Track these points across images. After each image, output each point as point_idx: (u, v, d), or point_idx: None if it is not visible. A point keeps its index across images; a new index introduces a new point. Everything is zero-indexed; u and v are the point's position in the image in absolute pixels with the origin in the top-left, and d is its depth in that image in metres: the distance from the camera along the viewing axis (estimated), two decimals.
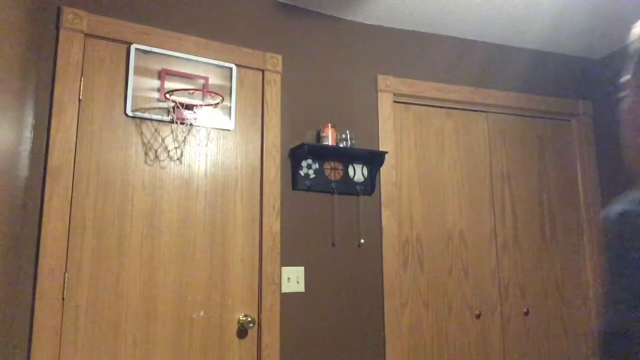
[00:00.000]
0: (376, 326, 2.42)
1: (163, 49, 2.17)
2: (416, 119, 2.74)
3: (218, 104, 2.20)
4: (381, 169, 2.54)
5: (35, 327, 1.79)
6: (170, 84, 2.17)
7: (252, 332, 2.18)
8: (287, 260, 2.30)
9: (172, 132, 2.16)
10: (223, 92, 2.26)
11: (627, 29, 2.59)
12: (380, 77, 2.65)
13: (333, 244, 2.41)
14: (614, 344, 0.74)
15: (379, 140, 2.59)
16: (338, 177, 2.46)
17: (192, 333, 2.07)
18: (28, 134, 1.80)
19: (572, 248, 2.99)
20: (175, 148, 2.16)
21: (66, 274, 1.88)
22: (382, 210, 2.52)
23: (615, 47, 3.06)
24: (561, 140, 3.10)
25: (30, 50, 1.73)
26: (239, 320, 2.16)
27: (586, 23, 2.75)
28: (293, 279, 2.29)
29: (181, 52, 2.21)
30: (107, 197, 2.00)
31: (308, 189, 2.38)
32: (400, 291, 2.53)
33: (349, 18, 2.64)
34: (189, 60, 2.23)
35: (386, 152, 2.49)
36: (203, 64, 2.26)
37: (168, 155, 2.14)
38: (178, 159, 2.16)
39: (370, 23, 2.70)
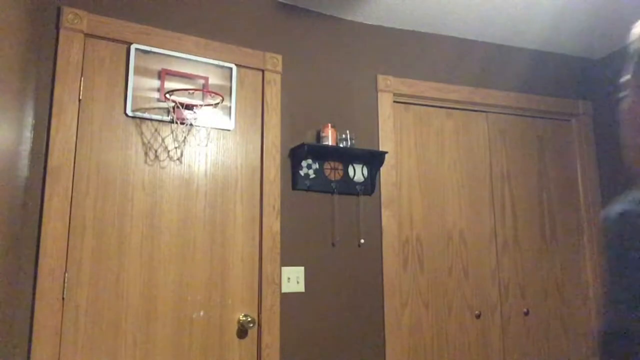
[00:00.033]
0: (376, 326, 2.42)
1: (163, 49, 2.17)
2: (416, 119, 2.74)
3: (218, 104, 2.20)
4: (381, 169, 2.54)
5: (35, 327, 1.79)
6: (170, 84, 2.17)
7: (252, 332, 2.18)
8: (287, 260, 2.30)
9: (172, 132, 2.16)
10: (223, 92, 2.26)
11: (627, 29, 2.59)
12: (380, 77, 2.65)
13: (333, 244, 2.41)
14: (614, 344, 0.74)
15: (379, 140, 2.59)
16: (338, 177, 2.46)
17: (192, 333, 2.07)
18: (28, 134, 1.80)
19: (572, 248, 2.99)
20: (175, 148, 2.16)
21: (66, 274, 1.88)
22: (382, 210, 2.52)
23: (615, 47, 3.06)
24: (561, 140, 3.10)
25: (30, 50, 1.73)
26: (239, 320, 2.16)
27: (586, 23, 2.75)
28: (293, 279, 2.29)
29: (181, 52, 2.21)
30: (107, 197, 2.00)
31: (308, 189, 2.38)
32: (400, 291, 2.53)
33: (349, 18, 2.64)
34: (189, 60, 2.23)
35: (386, 152, 2.49)
36: (203, 64, 2.26)
37: (168, 155, 2.14)
38: (178, 159, 2.16)
39: (370, 23, 2.70)
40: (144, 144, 2.10)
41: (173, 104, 2.14)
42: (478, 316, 2.67)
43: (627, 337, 0.72)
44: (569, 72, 3.16)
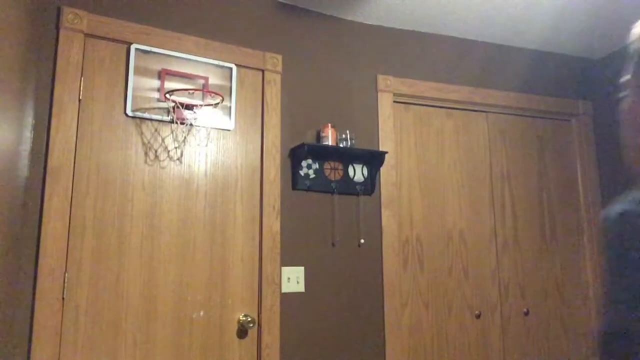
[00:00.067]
0: (376, 326, 2.42)
1: (163, 49, 2.17)
2: (416, 119, 2.74)
3: (218, 104, 2.20)
4: (381, 169, 2.54)
5: (35, 327, 1.79)
6: (170, 84, 2.17)
7: (252, 332, 2.18)
8: (287, 260, 2.30)
9: (172, 132, 2.16)
10: (223, 92, 2.26)
11: (627, 29, 2.59)
12: (380, 77, 2.65)
13: (333, 244, 2.41)
14: (614, 344, 0.74)
15: (379, 140, 2.59)
16: (338, 177, 2.46)
17: (192, 333, 2.07)
18: (28, 134, 1.80)
19: (572, 248, 2.99)
20: (175, 148, 2.16)
21: (66, 274, 1.88)
22: (382, 210, 2.52)
23: (615, 47, 3.06)
24: (561, 140, 3.10)
25: (30, 50, 1.73)
26: (239, 320, 2.16)
27: (586, 23, 2.75)
28: (293, 279, 2.29)
29: (181, 52, 2.21)
30: (107, 197, 2.00)
31: (308, 189, 2.38)
32: (400, 291, 2.53)
33: (349, 18, 2.64)
34: (189, 60, 2.23)
35: (386, 152, 2.49)
36: (203, 64, 2.26)
37: (168, 155, 2.14)
38: (178, 159, 2.16)
39: (370, 23, 2.70)
40: (144, 144, 2.10)
41: (173, 104, 2.14)
42: (478, 316, 2.67)
43: (627, 337, 0.72)
44: (569, 72, 3.16)
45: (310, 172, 2.39)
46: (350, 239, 2.44)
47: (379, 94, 2.63)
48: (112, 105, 2.06)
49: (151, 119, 2.12)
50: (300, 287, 2.30)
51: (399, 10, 2.58)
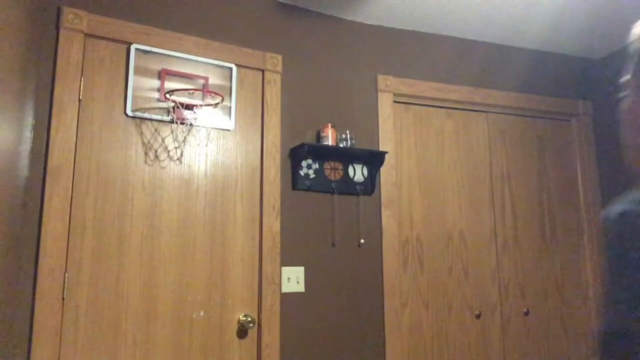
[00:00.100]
0: (376, 326, 2.42)
1: (163, 49, 2.17)
2: (416, 119, 2.74)
3: (218, 104, 2.20)
4: (381, 169, 2.54)
5: (35, 327, 1.79)
6: (170, 84, 2.17)
7: (252, 332, 2.18)
8: (287, 260, 2.30)
9: (172, 132, 2.16)
10: (223, 92, 2.26)
11: (627, 29, 2.59)
12: (380, 77, 2.65)
13: (333, 244, 2.41)
14: (614, 344, 0.74)
15: (379, 140, 2.59)
16: (338, 177, 2.46)
17: (192, 333, 2.07)
18: (28, 134, 1.80)
19: (572, 248, 2.99)
20: (175, 148, 2.16)
21: (66, 274, 1.88)
22: (382, 210, 2.52)
23: (615, 47, 3.06)
24: (561, 140, 3.10)
25: (30, 50, 1.73)
26: (239, 320, 2.16)
27: (586, 23, 2.75)
28: (293, 279, 2.29)
29: (181, 52, 2.21)
30: (107, 197, 2.00)
31: (308, 189, 2.38)
32: (400, 291, 2.53)
33: (349, 18, 2.64)
34: (189, 60, 2.23)
35: (386, 152, 2.49)
36: (203, 64, 2.26)
37: (168, 155, 2.14)
38: (178, 159, 2.16)
39: (370, 23, 2.70)
40: (144, 144, 2.10)
41: (173, 104, 2.14)
42: (478, 316, 2.67)
43: (627, 337, 0.72)
44: (569, 72, 3.16)
45: (310, 172, 2.39)
46: (350, 239, 2.44)
47: (379, 94, 2.63)
48: (112, 105, 2.06)
49: (151, 119, 2.12)
50: (300, 287, 2.30)
51: (399, 10, 2.58)
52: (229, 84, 2.29)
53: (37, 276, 1.82)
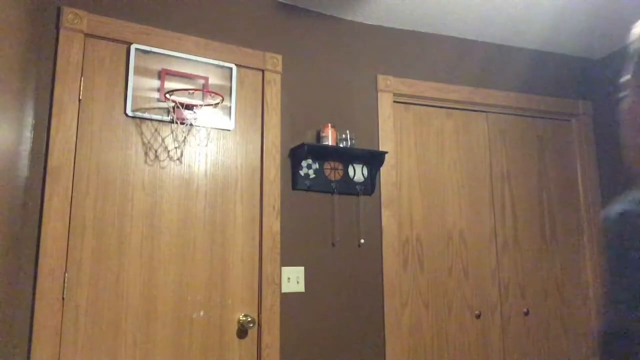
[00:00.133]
0: (376, 326, 2.42)
1: (163, 49, 2.17)
2: (416, 119, 2.74)
3: (218, 104, 2.20)
4: (381, 169, 2.54)
5: (35, 327, 1.79)
6: (170, 84, 2.17)
7: (252, 332, 2.18)
8: (287, 260, 2.30)
9: (172, 132, 2.16)
10: (223, 92, 2.26)
11: (627, 29, 2.59)
12: (380, 77, 2.65)
13: (333, 244, 2.41)
14: (614, 344, 0.74)
15: (379, 140, 2.59)
16: (338, 177, 2.46)
17: (192, 333, 2.07)
18: (28, 134, 1.80)
19: (572, 248, 2.99)
20: (175, 148, 2.16)
21: (66, 274, 1.88)
22: (382, 210, 2.52)
23: (615, 47, 3.06)
24: (561, 140, 3.10)
25: (30, 50, 1.73)
26: (239, 320, 2.16)
27: (586, 23, 2.75)
28: (293, 279, 2.29)
29: (181, 52, 2.21)
30: (107, 197, 2.00)
31: (308, 189, 2.38)
32: (400, 291, 2.53)
33: (349, 18, 2.64)
34: (189, 60, 2.23)
35: (386, 152, 2.49)
36: (203, 64, 2.26)
37: (168, 155, 2.14)
38: (178, 159, 2.16)
39: (370, 23, 2.70)
40: (144, 144, 2.10)
41: (173, 104, 2.14)
42: (478, 316, 2.67)
43: (627, 337, 0.72)
44: (569, 72, 3.16)
45: (310, 172, 2.39)
46: (350, 239, 2.44)
47: (379, 94, 2.63)
48: (112, 105, 2.06)
49: (151, 119, 2.12)
50: (300, 287, 2.30)
51: (399, 10, 2.58)
52: (229, 84, 2.29)
53: (37, 276, 1.82)
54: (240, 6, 2.40)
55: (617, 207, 0.78)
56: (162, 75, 2.15)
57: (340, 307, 2.37)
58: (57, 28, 1.98)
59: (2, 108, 1.33)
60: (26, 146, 1.78)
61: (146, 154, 2.10)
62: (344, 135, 2.44)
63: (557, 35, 2.89)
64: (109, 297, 1.95)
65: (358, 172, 2.50)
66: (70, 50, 1.98)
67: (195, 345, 2.07)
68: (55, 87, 1.94)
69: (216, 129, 2.26)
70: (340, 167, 2.47)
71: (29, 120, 1.81)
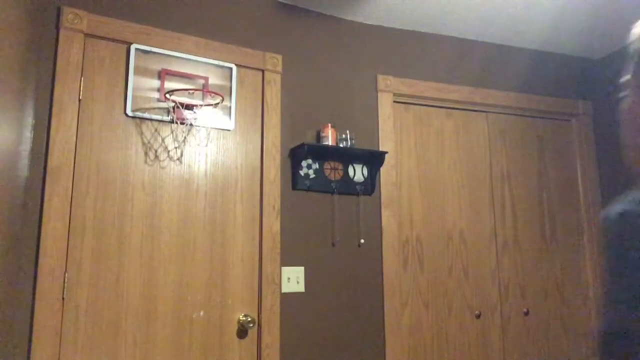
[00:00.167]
0: (376, 326, 2.42)
1: (163, 49, 2.17)
2: (416, 119, 2.74)
3: (218, 104, 2.20)
4: (381, 169, 2.54)
5: (35, 327, 1.79)
6: (170, 84, 2.17)
7: (252, 332, 2.18)
8: (287, 260, 2.30)
9: (172, 132, 2.16)
10: (223, 92, 2.26)
11: (627, 29, 2.59)
12: (380, 77, 2.65)
13: (333, 244, 2.41)
14: (614, 344, 0.74)
15: (379, 140, 2.59)
16: (338, 177, 2.46)
17: (192, 333, 2.07)
18: (28, 134, 1.80)
19: (572, 248, 2.99)
20: (175, 148, 2.16)
21: (66, 274, 1.88)
22: (382, 210, 2.52)
23: (615, 47, 3.06)
24: (561, 140, 3.10)
25: (30, 50, 1.73)
26: (239, 320, 2.16)
27: (586, 23, 2.75)
28: (293, 279, 2.29)
29: (181, 52, 2.21)
30: (107, 197, 2.00)
31: (308, 189, 2.38)
32: (400, 291, 2.53)
33: (349, 18, 2.64)
34: (189, 60, 2.23)
35: (386, 152, 2.49)
36: (203, 64, 2.26)
37: (168, 155, 2.14)
38: (178, 159, 2.16)
39: (370, 23, 2.70)
40: (144, 144, 2.10)
41: (173, 104, 2.14)
42: (478, 316, 2.67)
43: (627, 337, 0.72)
44: (569, 72, 3.16)
45: (310, 172, 2.39)
46: (350, 239, 2.44)
47: (379, 94, 2.63)
48: (112, 105, 2.06)
49: (151, 119, 2.12)
50: (300, 287, 2.30)
51: (399, 10, 2.58)
52: (229, 84, 2.29)
53: (37, 276, 1.82)
54: (240, 6, 2.40)
55: (617, 207, 0.78)
56: (162, 75, 2.15)
57: (340, 307, 2.37)
58: (57, 28, 1.98)
59: (2, 108, 1.33)
60: (26, 146, 1.78)
61: (146, 154, 2.10)
62: (344, 135, 2.44)
63: (557, 35, 2.89)
64: (109, 297, 1.95)
65: (358, 172, 2.50)
66: (70, 50, 1.98)
67: (195, 345, 2.07)
68: (55, 87, 1.94)
69: (216, 129, 2.26)
70: (340, 167, 2.47)
71: (29, 120, 1.81)
